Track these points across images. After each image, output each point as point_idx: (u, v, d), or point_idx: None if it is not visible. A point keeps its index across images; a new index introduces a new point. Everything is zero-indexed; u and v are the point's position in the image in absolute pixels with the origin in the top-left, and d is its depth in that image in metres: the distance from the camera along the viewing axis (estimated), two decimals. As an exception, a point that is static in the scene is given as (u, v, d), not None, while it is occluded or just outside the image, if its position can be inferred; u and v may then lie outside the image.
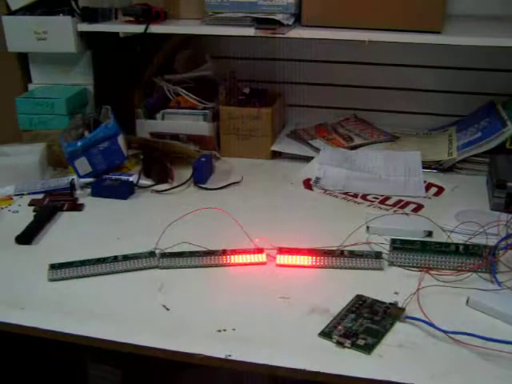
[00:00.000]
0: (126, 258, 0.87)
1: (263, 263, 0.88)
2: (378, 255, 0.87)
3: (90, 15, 1.26)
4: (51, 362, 1.12)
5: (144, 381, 1.10)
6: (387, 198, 1.12)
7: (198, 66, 1.42)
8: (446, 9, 1.15)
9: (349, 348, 0.69)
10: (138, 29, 1.22)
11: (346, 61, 1.44)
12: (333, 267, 0.87)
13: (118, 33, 1.25)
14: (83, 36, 1.28)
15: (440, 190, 1.16)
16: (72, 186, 1.13)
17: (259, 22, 1.18)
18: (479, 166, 1.22)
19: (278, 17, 1.17)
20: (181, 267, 0.87)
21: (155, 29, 1.22)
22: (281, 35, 1.16)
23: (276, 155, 1.34)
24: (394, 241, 0.89)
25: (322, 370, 0.65)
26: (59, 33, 1.25)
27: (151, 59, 1.41)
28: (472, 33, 1.15)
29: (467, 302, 0.77)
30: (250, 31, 1.18)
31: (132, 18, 1.25)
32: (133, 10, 1.24)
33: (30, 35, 1.26)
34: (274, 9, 1.18)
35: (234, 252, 0.88)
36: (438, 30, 1.12)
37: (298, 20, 1.20)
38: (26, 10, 1.27)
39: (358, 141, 1.37)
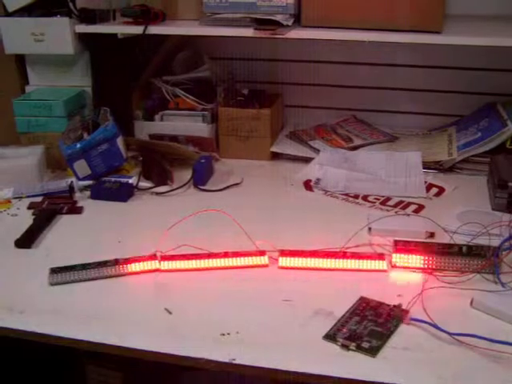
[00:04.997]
0: (126, 261, 0.86)
1: (265, 266, 0.87)
2: (380, 257, 0.87)
3: (87, 16, 1.25)
4: (51, 365, 1.12)
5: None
6: (388, 199, 1.12)
7: (196, 67, 1.42)
8: (445, 9, 1.15)
9: (354, 351, 0.68)
10: (137, 30, 1.22)
11: (345, 61, 1.44)
12: (336, 269, 0.86)
13: (116, 34, 1.24)
14: (81, 37, 1.27)
15: (441, 190, 1.16)
16: (71, 188, 1.13)
17: (258, 23, 1.18)
18: (479, 166, 1.22)
19: (278, 17, 1.16)
20: (182, 270, 0.87)
21: (154, 30, 1.22)
22: (280, 36, 1.16)
23: (275, 156, 1.34)
24: (396, 242, 0.88)
25: (327, 374, 0.65)
26: (57, 34, 1.24)
27: (149, 60, 1.40)
28: (472, 32, 1.15)
29: (471, 303, 0.77)
30: (249, 32, 1.17)
31: (130, 19, 1.24)
32: (131, 10, 1.23)
33: (27, 37, 1.25)
34: (274, 9, 1.18)
35: (236, 254, 0.88)
36: (437, 30, 1.11)
37: (297, 21, 1.20)
38: (23, 12, 1.26)
39: (357, 141, 1.37)
